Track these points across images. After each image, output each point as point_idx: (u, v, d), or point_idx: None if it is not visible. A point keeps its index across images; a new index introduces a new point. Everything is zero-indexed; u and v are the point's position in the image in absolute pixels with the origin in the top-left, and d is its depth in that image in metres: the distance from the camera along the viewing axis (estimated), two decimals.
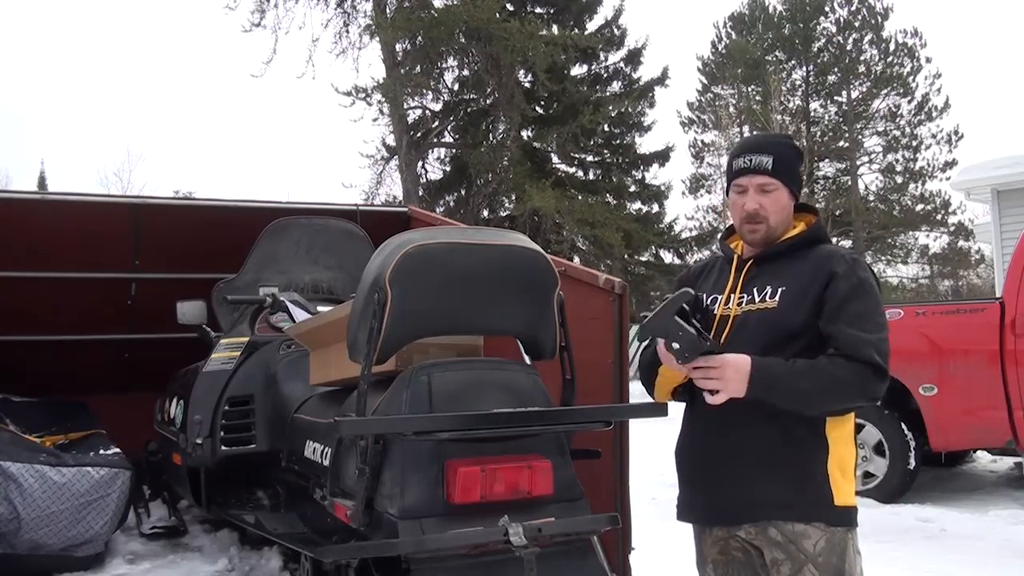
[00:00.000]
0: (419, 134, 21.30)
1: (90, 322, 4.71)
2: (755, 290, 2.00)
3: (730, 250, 2.12)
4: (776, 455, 1.91)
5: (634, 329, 4.02)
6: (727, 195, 2.12)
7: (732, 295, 2.03)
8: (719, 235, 2.26)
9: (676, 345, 1.82)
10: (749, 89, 28.40)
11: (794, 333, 1.91)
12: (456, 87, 22.04)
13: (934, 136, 28.08)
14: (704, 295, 2.08)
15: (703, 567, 2.11)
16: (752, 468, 1.92)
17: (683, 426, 2.13)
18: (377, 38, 19.70)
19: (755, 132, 21.08)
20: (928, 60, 28.23)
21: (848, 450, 1.96)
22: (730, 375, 1.82)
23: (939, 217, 27.65)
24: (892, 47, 28.33)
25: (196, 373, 3.70)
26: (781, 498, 1.90)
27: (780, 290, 1.96)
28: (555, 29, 21.60)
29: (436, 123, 21.72)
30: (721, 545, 2.04)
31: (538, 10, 22.26)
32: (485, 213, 21.97)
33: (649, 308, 1.92)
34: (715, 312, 2.02)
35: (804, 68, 29.25)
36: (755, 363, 1.83)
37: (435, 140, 21.91)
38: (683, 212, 36.26)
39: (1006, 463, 6.99)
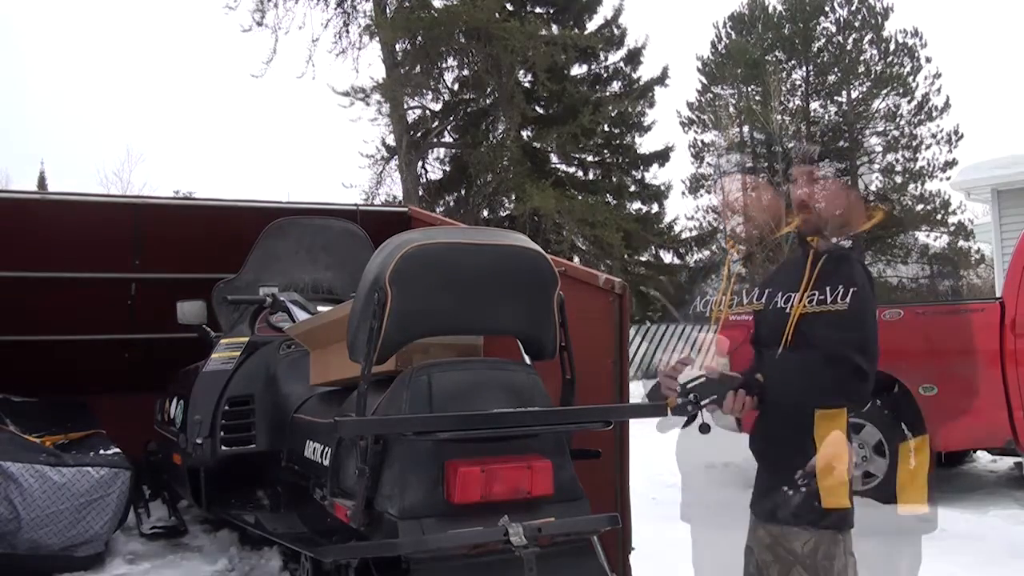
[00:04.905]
0: (419, 134, 21.28)
1: (90, 322, 4.70)
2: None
3: (808, 245, 2.05)
4: (765, 456, 1.92)
5: (634, 329, 4.02)
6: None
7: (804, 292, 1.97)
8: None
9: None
10: (749, 89, 28.35)
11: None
12: (456, 87, 22.02)
13: (934, 136, 28.04)
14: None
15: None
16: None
17: None
18: (377, 38, 19.70)
19: (755, 133, 21.02)
20: (928, 60, 28.17)
21: None
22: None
23: (939, 217, 27.64)
24: (892, 47, 28.29)
25: (196, 373, 3.70)
26: (770, 499, 1.91)
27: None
28: (555, 29, 21.58)
29: (436, 123, 21.70)
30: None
31: (538, 10, 22.23)
32: (485, 213, 21.93)
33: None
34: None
35: (804, 68, 29.20)
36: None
37: (435, 140, 21.88)
38: (683, 212, 36.26)
39: (1006, 463, 6.98)
